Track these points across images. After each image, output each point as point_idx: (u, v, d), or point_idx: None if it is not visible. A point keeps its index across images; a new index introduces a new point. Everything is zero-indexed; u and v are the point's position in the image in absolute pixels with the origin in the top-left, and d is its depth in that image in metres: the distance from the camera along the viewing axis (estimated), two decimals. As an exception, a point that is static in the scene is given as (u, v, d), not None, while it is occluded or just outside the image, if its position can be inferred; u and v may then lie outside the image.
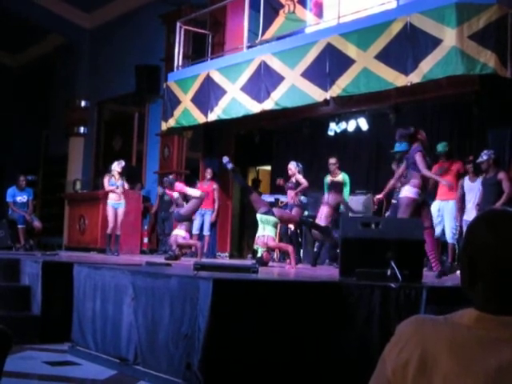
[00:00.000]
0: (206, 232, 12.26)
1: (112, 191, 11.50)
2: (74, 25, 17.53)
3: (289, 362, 4.91)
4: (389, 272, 5.24)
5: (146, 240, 13.96)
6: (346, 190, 10.41)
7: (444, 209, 8.92)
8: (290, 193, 10.38)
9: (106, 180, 11.63)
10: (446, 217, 8.88)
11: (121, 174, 11.60)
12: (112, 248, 11.53)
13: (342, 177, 10.33)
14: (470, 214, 8.43)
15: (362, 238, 5.77)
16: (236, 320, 4.79)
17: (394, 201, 9.28)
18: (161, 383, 5.03)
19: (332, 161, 10.31)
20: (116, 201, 11.51)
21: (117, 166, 11.57)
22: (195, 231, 11.99)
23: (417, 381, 1.36)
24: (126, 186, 11.73)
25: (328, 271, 8.40)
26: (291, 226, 10.45)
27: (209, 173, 12.37)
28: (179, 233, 10.05)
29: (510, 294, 1.37)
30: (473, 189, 8.69)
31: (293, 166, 10.42)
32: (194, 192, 10.22)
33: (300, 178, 10.34)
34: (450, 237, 8.83)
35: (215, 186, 12.37)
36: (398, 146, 9.27)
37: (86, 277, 6.31)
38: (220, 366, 4.70)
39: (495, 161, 8.26)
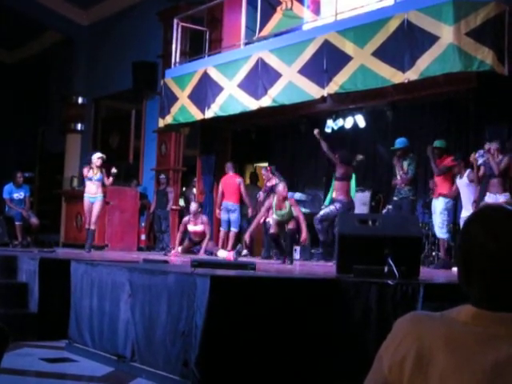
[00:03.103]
0: (235, 228, 11.76)
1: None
2: (71, 21, 17.50)
3: (286, 358, 4.91)
4: (386, 269, 5.25)
5: (143, 237, 13.96)
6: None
7: (434, 205, 8.96)
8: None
9: (84, 172, 10.88)
10: (435, 213, 8.91)
11: (100, 167, 10.82)
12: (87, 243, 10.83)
13: None
14: (466, 210, 8.44)
15: (360, 235, 5.78)
16: (233, 317, 4.80)
17: (395, 198, 9.28)
18: (158, 380, 5.03)
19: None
20: (92, 194, 10.75)
21: (96, 160, 10.76)
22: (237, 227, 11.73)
23: (413, 377, 1.36)
24: (107, 180, 10.84)
25: (325, 268, 8.40)
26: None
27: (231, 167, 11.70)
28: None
29: (507, 290, 1.37)
30: (462, 186, 8.70)
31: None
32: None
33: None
34: (438, 232, 8.82)
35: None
36: (398, 143, 9.29)
37: (83, 274, 6.31)
38: (217, 363, 4.71)
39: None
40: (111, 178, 10.87)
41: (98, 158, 10.76)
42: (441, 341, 1.35)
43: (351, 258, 5.58)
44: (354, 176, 10.31)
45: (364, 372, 1.51)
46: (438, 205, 8.91)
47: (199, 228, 11.07)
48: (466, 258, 1.42)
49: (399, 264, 5.25)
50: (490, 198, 7.97)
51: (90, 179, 10.71)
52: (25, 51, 19.86)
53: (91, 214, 10.73)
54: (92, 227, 10.83)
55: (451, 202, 8.96)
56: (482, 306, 1.38)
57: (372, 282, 5.08)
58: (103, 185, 10.87)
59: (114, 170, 10.81)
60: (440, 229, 8.81)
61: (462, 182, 8.66)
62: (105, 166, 10.91)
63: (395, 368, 1.39)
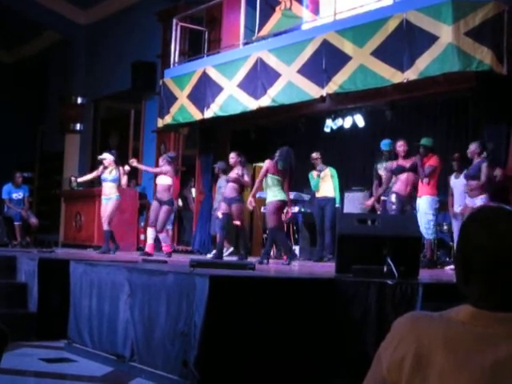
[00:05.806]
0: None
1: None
2: (70, 21, 17.49)
3: (285, 358, 4.91)
4: (385, 268, 5.24)
5: (142, 237, 13.94)
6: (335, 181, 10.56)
7: (418, 205, 8.86)
8: (234, 185, 9.56)
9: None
10: (420, 212, 8.76)
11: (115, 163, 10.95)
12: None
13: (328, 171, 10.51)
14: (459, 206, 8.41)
15: (359, 235, 5.78)
16: (232, 317, 4.79)
17: (383, 198, 9.29)
18: (157, 380, 5.03)
19: (315, 155, 10.55)
20: (104, 195, 10.72)
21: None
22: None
23: (412, 377, 1.36)
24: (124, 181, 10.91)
25: (324, 268, 8.40)
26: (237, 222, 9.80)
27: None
28: None
29: (505, 290, 1.37)
30: (456, 185, 8.67)
31: (235, 156, 9.79)
32: None
33: (245, 173, 9.74)
34: (424, 232, 8.63)
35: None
36: (384, 145, 9.33)
37: (83, 274, 6.30)
38: (216, 363, 4.70)
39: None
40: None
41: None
42: (440, 341, 1.35)
43: (350, 258, 5.58)
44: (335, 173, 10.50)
45: (363, 372, 1.51)
46: (423, 204, 8.82)
47: None
48: (465, 257, 1.42)
49: (398, 264, 5.25)
50: (469, 202, 7.95)
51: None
52: (23, 51, 19.84)
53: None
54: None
55: (436, 200, 8.88)
56: (481, 306, 1.38)
57: (371, 281, 5.08)
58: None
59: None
60: (426, 229, 8.61)
61: (459, 182, 8.62)
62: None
63: (394, 368, 1.39)
